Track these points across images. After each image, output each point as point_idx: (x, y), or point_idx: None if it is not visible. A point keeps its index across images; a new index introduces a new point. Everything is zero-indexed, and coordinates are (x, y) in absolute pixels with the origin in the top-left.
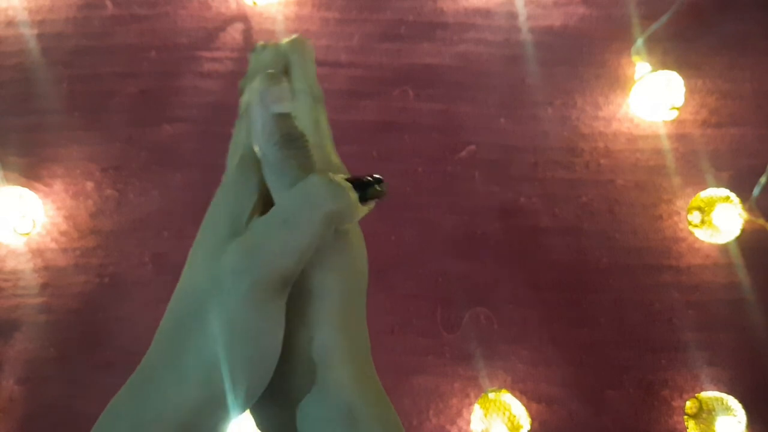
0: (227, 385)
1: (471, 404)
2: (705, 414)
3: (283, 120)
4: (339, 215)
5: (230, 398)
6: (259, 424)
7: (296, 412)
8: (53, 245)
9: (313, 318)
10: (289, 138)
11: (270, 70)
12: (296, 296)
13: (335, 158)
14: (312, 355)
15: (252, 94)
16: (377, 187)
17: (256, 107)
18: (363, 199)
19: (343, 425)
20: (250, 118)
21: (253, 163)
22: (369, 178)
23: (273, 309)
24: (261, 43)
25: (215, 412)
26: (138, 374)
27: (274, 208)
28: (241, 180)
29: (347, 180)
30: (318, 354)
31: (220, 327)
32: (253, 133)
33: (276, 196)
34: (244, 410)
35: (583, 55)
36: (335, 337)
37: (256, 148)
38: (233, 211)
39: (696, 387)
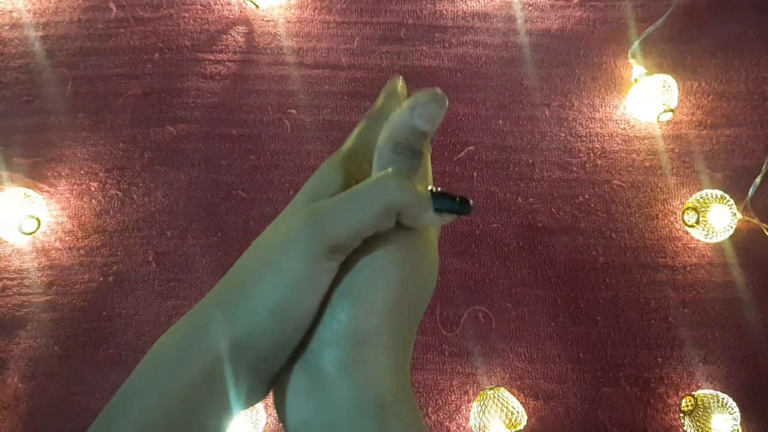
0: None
1: (469, 401)
2: (700, 411)
3: (419, 135)
4: (402, 206)
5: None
6: (282, 402)
7: (325, 389)
8: (58, 244)
9: (367, 298)
10: (412, 150)
11: (439, 92)
12: (359, 273)
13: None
14: (352, 328)
15: (410, 101)
16: (457, 202)
17: (406, 113)
18: (439, 209)
19: (372, 416)
20: (393, 118)
21: (349, 158)
22: (455, 195)
23: (319, 271)
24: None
25: (245, 359)
26: (191, 314)
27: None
28: (331, 167)
29: (434, 190)
30: (359, 330)
31: (270, 274)
32: (386, 130)
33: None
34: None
35: (580, 58)
36: (382, 321)
37: (380, 143)
38: (316, 188)
39: (691, 384)
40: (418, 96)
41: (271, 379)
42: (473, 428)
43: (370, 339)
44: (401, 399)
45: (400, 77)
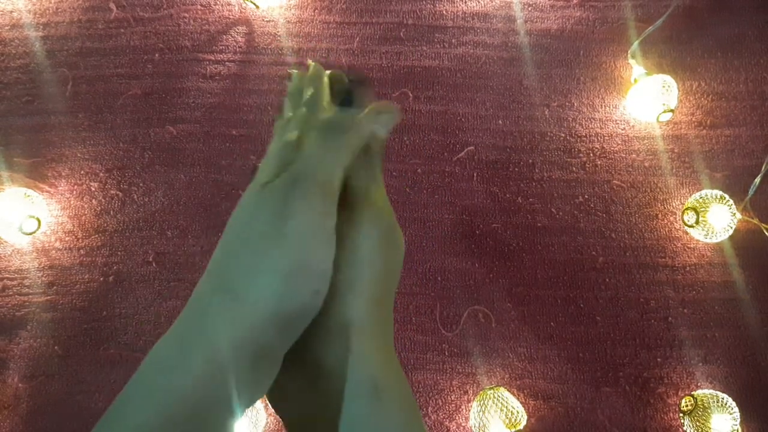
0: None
1: (469, 400)
2: (700, 411)
3: (378, 140)
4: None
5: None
6: (274, 389)
7: (323, 381)
8: (58, 244)
9: (355, 286)
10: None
11: (397, 108)
12: (341, 262)
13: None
14: (344, 319)
15: (378, 109)
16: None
17: (369, 119)
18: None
19: (368, 398)
20: (362, 119)
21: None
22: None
23: (326, 216)
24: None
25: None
26: (188, 309)
27: None
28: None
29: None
30: (350, 320)
31: (271, 224)
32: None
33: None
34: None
35: (579, 58)
36: (370, 309)
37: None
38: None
39: (691, 384)
40: (384, 107)
41: (273, 372)
42: (473, 428)
43: (362, 328)
44: (394, 380)
45: (312, 62)
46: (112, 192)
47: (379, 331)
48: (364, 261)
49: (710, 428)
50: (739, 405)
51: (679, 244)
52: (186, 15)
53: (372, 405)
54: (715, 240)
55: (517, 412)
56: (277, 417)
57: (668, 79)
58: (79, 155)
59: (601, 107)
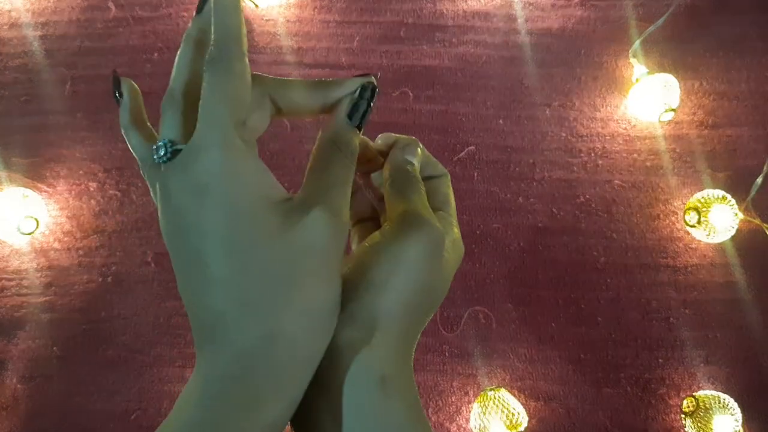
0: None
1: (470, 402)
2: (702, 412)
3: (408, 164)
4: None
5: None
6: None
7: (333, 367)
8: (57, 245)
9: (390, 287)
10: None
11: (420, 148)
12: (386, 264)
13: None
14: (371, 313)
15: (408, 144)
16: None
17: (401, 150)
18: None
19: (375, 388)
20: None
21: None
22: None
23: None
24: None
25: None
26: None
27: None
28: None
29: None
30: (376, 315)
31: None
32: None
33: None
34: None
35: (580, 57)
36: (398, 312)
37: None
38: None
39: (693, 385)
40: (414, 143)
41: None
42: (474, 429)
43: (384, 324)
44: (401, 375)
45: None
46: (110, 192)
47: (400, 334)
48: (404, 267)
49: (712, 429)
50: (740, 406)
51: (680, 245)
52: (185, 14)
53: (378, 394)
54: (716, 240)
55: (518, 414)
56: None
57: (670, 79)
58: (77, 155)
59: (603, 107)
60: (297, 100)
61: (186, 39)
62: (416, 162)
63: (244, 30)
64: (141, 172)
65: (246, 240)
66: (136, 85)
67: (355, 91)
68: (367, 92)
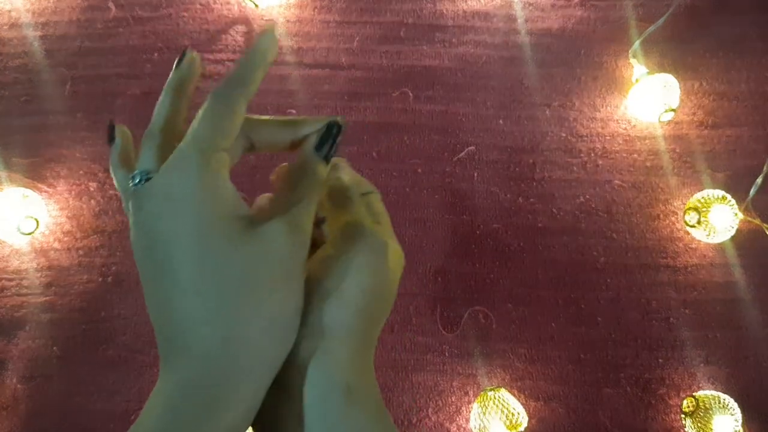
0: None
1: (470, 402)
2: (701, 412)
3: (341, 180)
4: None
5: None
6: None
7: (296, 378)
8: (57, 245)
9: (344, 297)
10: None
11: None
12: (338, 275)
13: None
14: (324, 323)
15: (337, 164)
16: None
17: (333, 170)
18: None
19: (340, 398)
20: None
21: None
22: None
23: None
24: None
25: None
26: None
27: None
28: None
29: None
30: (330, 325)
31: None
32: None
33: None
34: None
35: (580, 57)
36: (353, 320)
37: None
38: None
39: (693, 385)
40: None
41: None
42: (474, 429)
43: (341, 332)
44: (365, 384)
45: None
46: (110, 192)
47: (358, 341)
48: (355, 276)
49: (712, 429)
50: (740, 406)
51: (680, 245)
52: (185, 14)
53: (343, 404)
54: (716, 240)
55: (518, 414)
56: None
57: (670, 79)
58: (77, 155)
59: (603, 107)
60: (269, 137)
61: (166, 89)
62: (346, 178)
63: (258, 83)
64: (123, 208)
65: (211, 247)
66: (128, 131)
67: (323, 128)
68: (334, 128)
